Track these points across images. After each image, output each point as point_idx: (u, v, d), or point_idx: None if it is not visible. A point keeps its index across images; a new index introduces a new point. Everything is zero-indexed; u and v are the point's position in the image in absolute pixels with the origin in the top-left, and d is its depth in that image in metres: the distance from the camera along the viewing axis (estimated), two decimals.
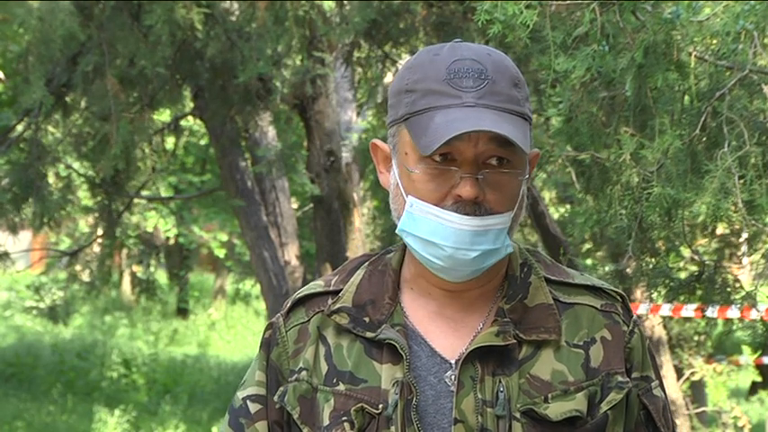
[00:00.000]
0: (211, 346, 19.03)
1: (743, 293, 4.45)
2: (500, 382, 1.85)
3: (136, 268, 17.90)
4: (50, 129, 9.18)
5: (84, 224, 15.48)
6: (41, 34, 7.38)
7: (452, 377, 1.86)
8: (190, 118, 11.16)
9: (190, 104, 9.46)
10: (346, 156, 9.67)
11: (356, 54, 8.44)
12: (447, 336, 1.91)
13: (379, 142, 1.95)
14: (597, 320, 1.93)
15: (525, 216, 10.68)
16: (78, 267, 10.34)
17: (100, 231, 10.01)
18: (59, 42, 7.38)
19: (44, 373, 14.98)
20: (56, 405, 13.26)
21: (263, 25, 7.69)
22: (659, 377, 2.00)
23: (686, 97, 4.09)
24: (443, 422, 1.85)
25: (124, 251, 18.13)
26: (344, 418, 1.87)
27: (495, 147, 1.82)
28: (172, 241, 20.00)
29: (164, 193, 15.16)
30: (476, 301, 1.92)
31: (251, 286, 20.65)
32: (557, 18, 4.02)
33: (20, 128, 8.82)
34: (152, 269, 13.46)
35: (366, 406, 1.87)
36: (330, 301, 1.95)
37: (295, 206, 11.86)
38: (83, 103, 8.43)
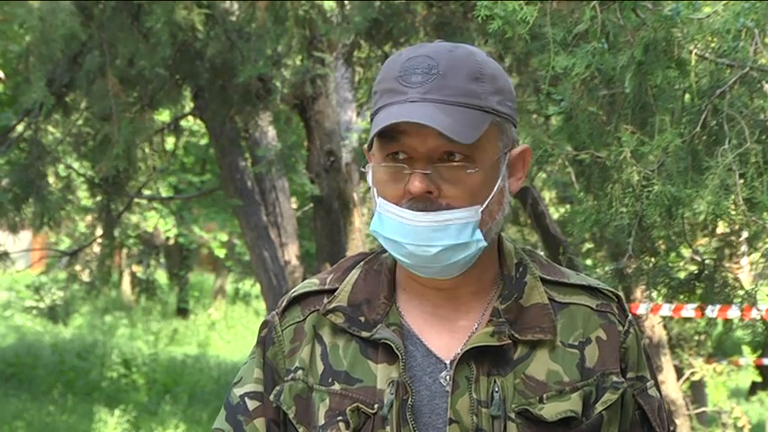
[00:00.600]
0: (211, 346, 19.03)
1: (743, 293, 4.45)
2: (495, 382, 1.85)
3: (136, 268, 17.92)
4: (50, 129, 9.18)
5: (83, 224, 15.47)
6: (42, 34, 7.38)
7: (447, 377, 1.86)
8: (190, 118, 11.16)
9: (190, 104, 9.45)
10: (346, 156, 9.66)
11: (356, 54, 8.44)
12: (442, 336, 1.90)
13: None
14: (593, 320, 1.93)
15: (525, 216, 10.63)
16: (78, 267, 10.33)
17: (99, 231, 10.01)
18: (60, 42, 7.37)
19: (44, 373, 14.97)
20: (56, 405, 13.25)
21: (263, 25, 7.69)
22: (655, 377, 1.99)
23: (686, 95, 4.09)
24: (438, 422, 1.85)
25: (124, 251, 18.15)
26: (339, 417, 1.87)
27: (446, 142, 1.82)
28: (172, 241, 20.01)
29: (164, 193, 15.16)
30: (471, 302, 1.92)
31: (251, 286, 20.68)
32: (557, 15, 4.02)
33: (20, 128, 8.81)
34: (152, 269, 13.45)
35: (361, 406, 1.86)
36: (326, 301, 1.94)
37: (295, 206, 11.86)
38: (83, 104, 8.43)
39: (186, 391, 14.39)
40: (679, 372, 9.46)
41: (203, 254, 23.44)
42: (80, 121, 8.78)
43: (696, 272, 4.62)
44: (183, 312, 21.68)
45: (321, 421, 1.88)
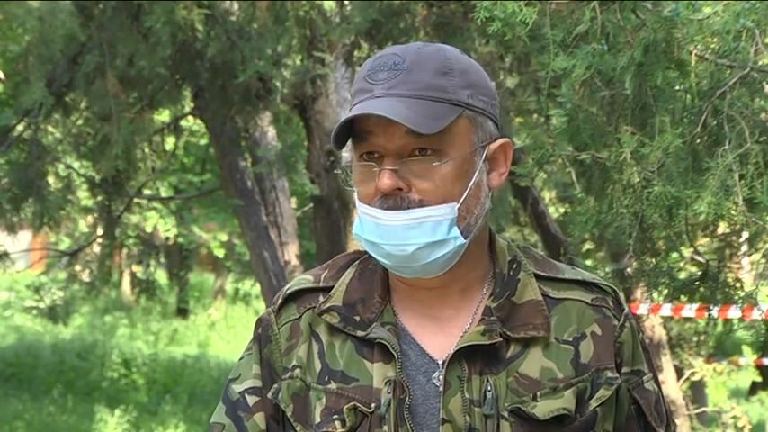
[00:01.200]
0: (211, 346, 19.03)
1: (743, 293, 4.45)
2: (488, 381, 1.84)
3: (136, 268, 17.89)
4: (50, 129, 9.18)
5: (83, 224, 15.47)
6: (41, 34, 7.38)
7: (440, 377, 1.86)
8: (190, 118, 11.15)
9: (190, 104, 9.45)
10: (346, 156, 9.67)
11: (356, 54, 8.43)
12: (436, 335, 1.90)
13: None
14: (587, 315, 1.91)
15: (525, 216, 10.62)
16: (78, 267, 10.33)
17: (100, 231, 10.00)
18: (59, 42, 7.38)
19: (44, 373, 14.98)
20: (56, 405, 13.25)
21: (263, 25, 7.68)
22: (653, 370, 1.97)
23: (687, 96, 4.09)
24: (432, 422, 1.85)
25: (124, 251, 18.13)
26: (336, 416, 1.87)
27: (415, 138, 1.81)
28: (172, 241, 20.00)
29: (164, 193, 15.17)
30: (463, 300, 1.91)
31: (251, 286, 20.67)
32: (556, 16, 4.02)
33: (20, 128, 8.81)
34: (152, 269, 13.43)
35: (359, 404, 1.86)
36: (321, 299, 1.94)
37: (295, 206, 11.86)
38: (83, 104, 8.43)
39: (186, 391, 14.40)
40: (679, 372, 9.46)
41: (203, 254, 23.45)
42: (80, 121, 8.77)
43: (699, 273, 4.61)
44: (182, 312, 21.68)
45: (317, 420, 1.88)
